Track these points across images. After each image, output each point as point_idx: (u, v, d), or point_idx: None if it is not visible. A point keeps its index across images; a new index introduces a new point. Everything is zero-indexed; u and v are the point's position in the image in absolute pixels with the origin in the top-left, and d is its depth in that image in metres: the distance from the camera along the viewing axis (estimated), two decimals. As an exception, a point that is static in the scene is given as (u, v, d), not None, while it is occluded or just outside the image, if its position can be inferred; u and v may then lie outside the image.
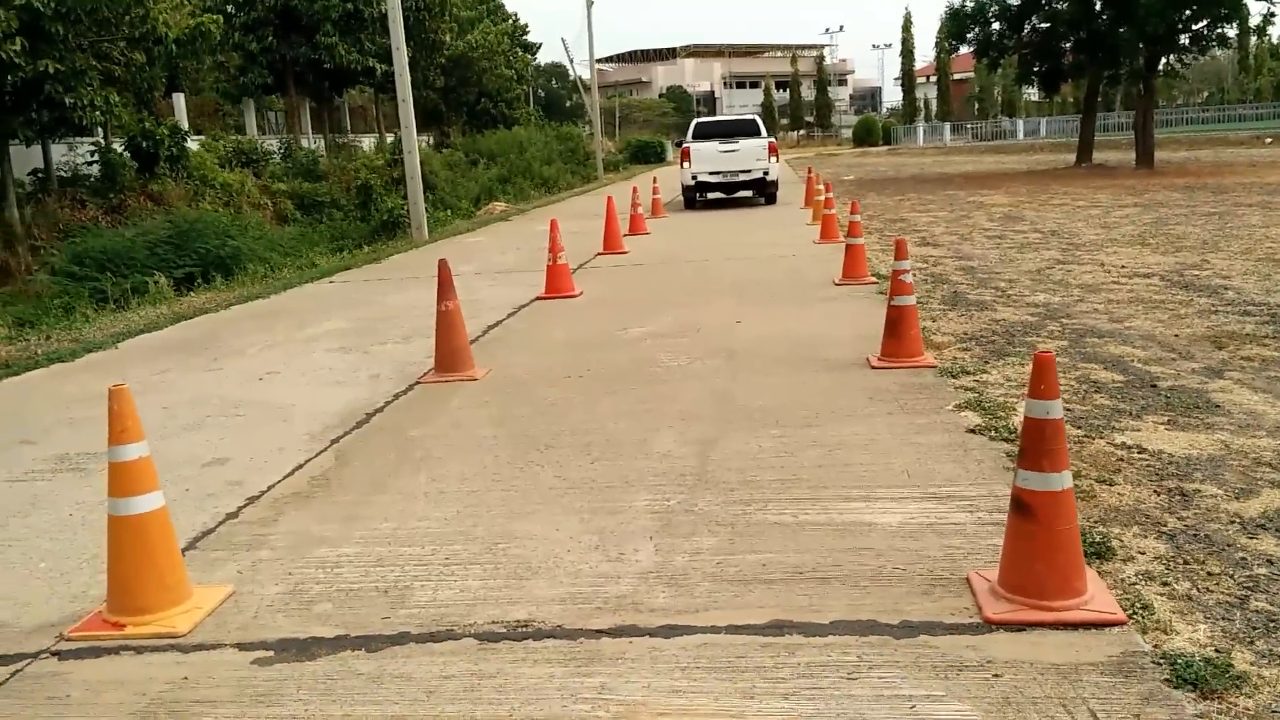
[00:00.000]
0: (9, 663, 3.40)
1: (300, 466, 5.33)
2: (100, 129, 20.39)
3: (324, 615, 3.58)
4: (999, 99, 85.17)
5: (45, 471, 5.51)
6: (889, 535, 3.97)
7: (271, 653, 3.35)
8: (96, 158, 20.37)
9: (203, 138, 25.05)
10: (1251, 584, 3.45)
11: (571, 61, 62.00)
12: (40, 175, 19.21)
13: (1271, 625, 3.16)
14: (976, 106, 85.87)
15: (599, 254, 14.54)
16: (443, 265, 7.24)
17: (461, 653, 3.26)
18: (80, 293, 14.02)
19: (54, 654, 3.45)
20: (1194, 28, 28.80)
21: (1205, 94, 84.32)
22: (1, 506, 4.97)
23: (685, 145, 22.62)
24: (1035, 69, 33.06)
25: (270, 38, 28.60)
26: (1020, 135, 66.25)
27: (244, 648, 3.39)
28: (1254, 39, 75.61)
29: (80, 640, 3.51)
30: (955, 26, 32.20)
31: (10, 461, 5.73)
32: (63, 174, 19.81)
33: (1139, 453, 4.83)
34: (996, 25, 31.52)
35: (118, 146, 20.93)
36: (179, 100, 25.89)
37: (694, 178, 22.12)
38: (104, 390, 7.00)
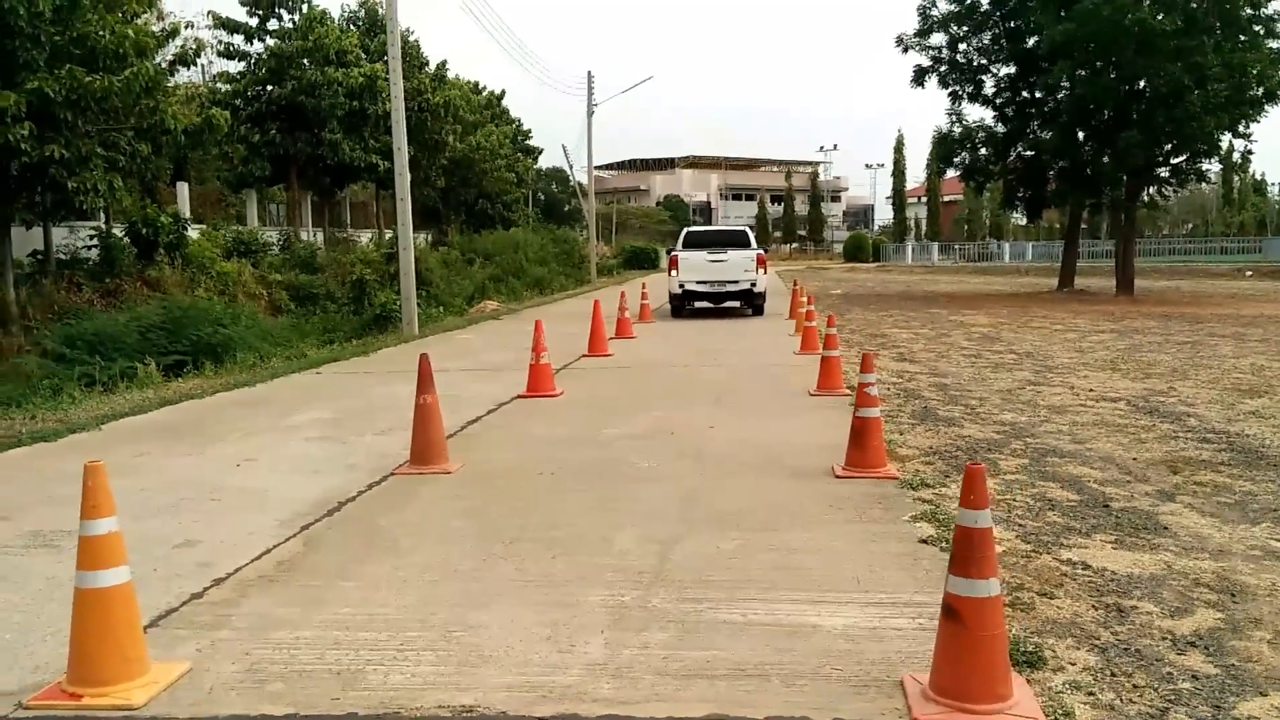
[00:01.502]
0: (-35, 729, 3.49)
1: (269, 551, 5.44)
2: (102, 214, 20.76)
3: (276, 694, 3.68)
4: (987, 221, 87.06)
5: (18, 547, 5.61)
6: (832, 637, 4.11)
7: (222, 728, 3.44)
8: (96, 242, 20.70)
9: (204, 226, 25.46)
10: (1174, 697, 3.58)
11: (571, 167, 63.31)
12: (39, 257, 19.49)
13: (1186, 736, 3.29)
14: (965, 228, 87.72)
15: (583, 355, 14.79)
16: (423, 360, 7.45)
17: (407, 734, 3.36)
18: (69, 375, 14.15)
19: (10, 723, 3.54)
20: (1174, 162, 29.76)
21: (1190, 226, 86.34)
22: (-28, 578, 5.06)
23: (674, 253, 22.73)
24: (1019, 195, 33.95)
25: (275, 132, 29.34)
26: (1006, 258, 67.44)
27: (196, 723, 3.49)
28: (1236, 175, 77.97)
29: (38, 709, 3.61)
30: (943, 151, 33.13)
31: (-15, 535, 5.83)
32: (62, 256, 20.09)
33: (1083, 569, 4.99)
34: (983, 151, 32.45)
35: (118, 231, 21.29)
36: (182, 189, 26.36)
37: (681, 286, 22.15)
38: (81, 471, 7.13)
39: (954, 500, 6.21)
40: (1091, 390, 11.00)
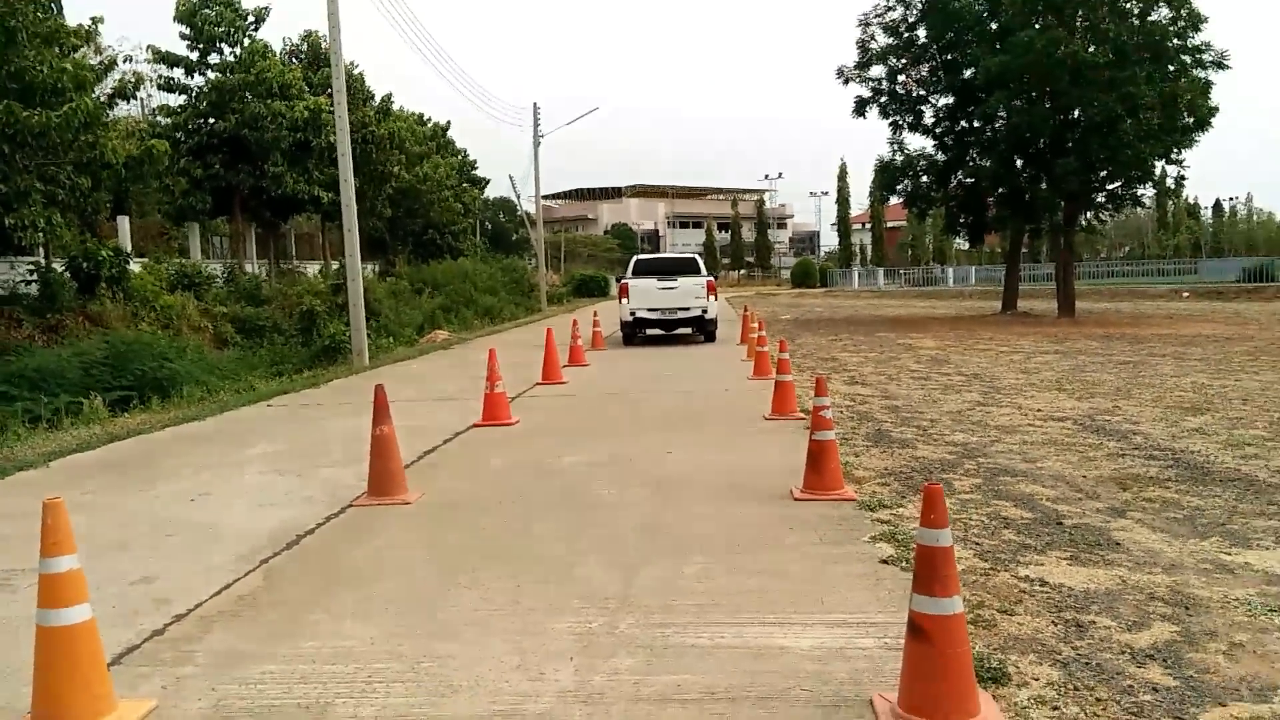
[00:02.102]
0: (-77, 775, 3.40)
1: (228, 586, 5.38)
2: (41, 249, 20.41)
3: (245, 730, 3.64)
4: (930, 247, 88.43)
5: (-32, 587, 5.48)
6: (800, 658, 4.15)
7: (191, 766, 3.40)
8: (36, 277, 20.33)
9: (146, 260, 25.13)
10: (1136, 709, 3.67)
11: (519, 197, 63.37)
12: (-24, 292, 19.15)
13: (1148, 745, 3.37)
14: (909, 253, 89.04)
15: (538, 384, 14.78)
16: (379, 391, 7.41)
17: (380, 767, 3.34)
18: (11, 411, 13.85)
19: (-31, 767, 3.46)
20: (1109, 187, 30.50)
21: (1127, 248, 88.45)
22: (-79, 621, 4.94)
23: (624, 281, 22.68)
24: (961, 220, 34.54)
25: (217, 165, 29.09)
26: (950, 282, 68.53)
27: (163, 762, 3.44)
28: (1170, 200, 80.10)
29: (-2, 753, 3.53)
30: (885, 178, 33.65)
31: (-68, 576, 5.69)
32: (0, 292, 19.72)
33: (1040, 585, 5.09)
34: (924, 179, 33.02)
35: (58, 266, 20.94)
36: (123, 223, 26.00)
37: (632, 314, 22.08)
38: (32, 508, 6.99)
39: (911, 520, 6.32)
40: (1039, 410, 11.22)
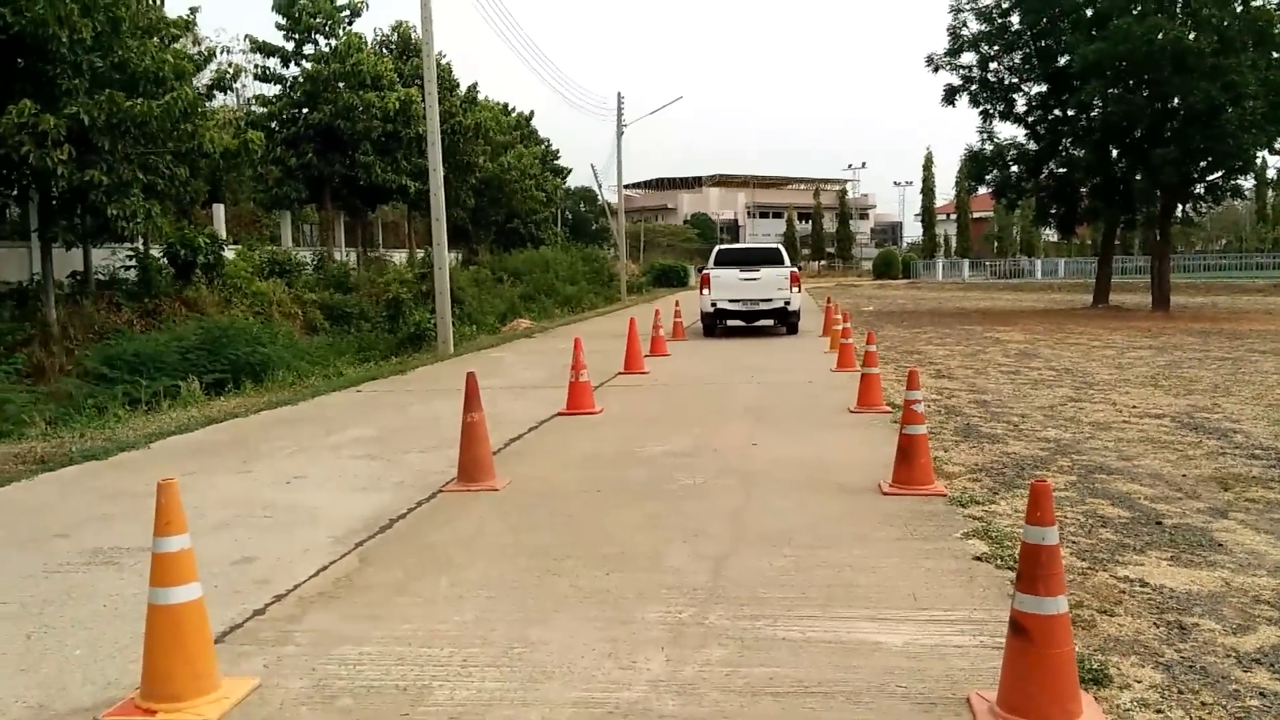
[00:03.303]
0: (43, 742, 3.54)
1: (325, 568, 5.50)
2: (140, 236, 21.04)
3: (345, 710, 3.72)
4: (1018, 238, 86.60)
5: (80, 564, 5.70)
6: (893, 654, 4.10)
7: (294, 743, 3.48)
8: (135, 263, 20.99)
9: (239, 247, 25.76)
10: (1243, 714, 3.56)
11: (600, 186, 63.59)
12: (79, 277, 19.78)
13: (1261, 755, 3.26)
14: (995, 244, 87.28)
15: (620, 373, 14.84)
16: (470, 378, 7.51)
17: (477, 749, 3.39)
18: (112, 394, 14.35)
19: (86, 736, 3.60)
20: (1209, 178, 29.54)
21: (1224, 241, 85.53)
22: (39, 596, 5.14)
23: (706, 271, 22.43)
24: (1052, 211, 33.77)
25: (310, 154, 29.69)
26: (1038, 274, 67.09)
27: (267, 737, 3.53)
28: (1270, 191, 77.21)
29: (112, 725, 3.66)
30: (974, 168, 33.03)
31: (47, 554, 5.92)
32: (101, 277, 20.37)
33: (1141, 586, 4.96)
34: (1015, 169, 32.33)
35: (156, 253, 21.58)
36: (218, 211, 26.70)
37: (713, 305, 21.79)
38: (136, 488, 7.30)
39: (1005, 517, 6.21)
40: (1134, 406, 10.92)
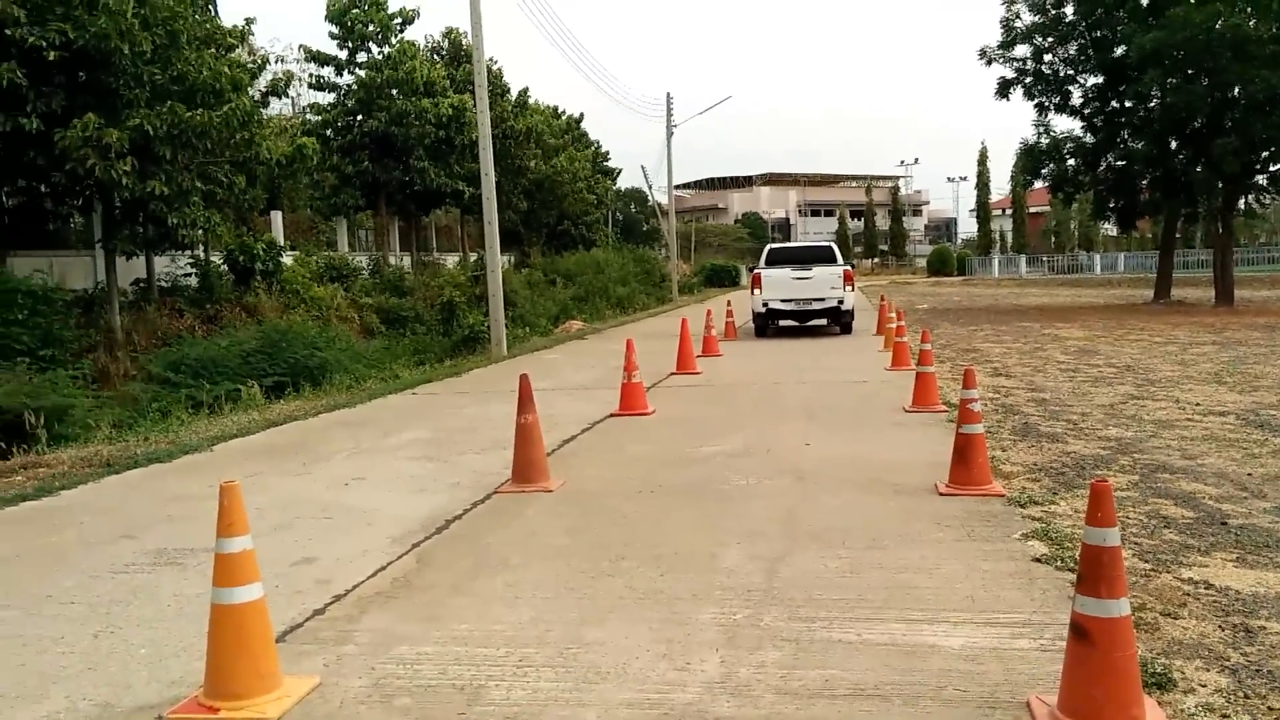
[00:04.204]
0: (112, 739, 3.63)
1: (383, 568, 5.57)
2: (201, 244, 21.45)
3: (404, 709, 3.77)
4: (1075, 233, 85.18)
5: (145, 565, 5.82)
6: (951, 657, 4.06)
7: (354, 742, 3.53)
8: (195, 270, 21.43)
9: (297, 253, 26.19)
10: (1314, 720, 3.47)
11: (650, 187, 63.58)
12: (142, 285, 20.24)
13: (1333, 761, 3.18)
14: (1053, 239, 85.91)
15: (672, 374, 14.84)
16: (524, 380, 7.56)
17: (534, 750, 3.42)
18: (175, 398, 14.66)
19: (152, 734, 3.68)
20: (1271, 169, 28.84)
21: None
22: (106, 596, 5.27)
23: (757, 271, 22.19)
24: (1111, 205, 33.14)
25: (366, 161, 30.08)
26: (1097, 270, 65.94)
27: (328, 736, 3.59)
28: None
29: (177, 722, 3.74)
30: (1030, 162, 32.52)
31: (114, 554, 6.07)
32: (163, 284, 20.84)
33: (1205, 588, 4.86)
34: (1071, 162, 31.79)
35: (216, 260, 22.01)
36: (276, 218, 27.17)
37: (765, 305, 21.51)
38: (199, 490, 7.44)
39: (1064, 518, 6.11)
40: (1198, 404, 10.69)
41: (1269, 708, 3.57)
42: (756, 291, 21.74)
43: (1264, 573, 5.08)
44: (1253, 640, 4.20)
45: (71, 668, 4.31)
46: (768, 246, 24.41)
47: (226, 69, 17.92)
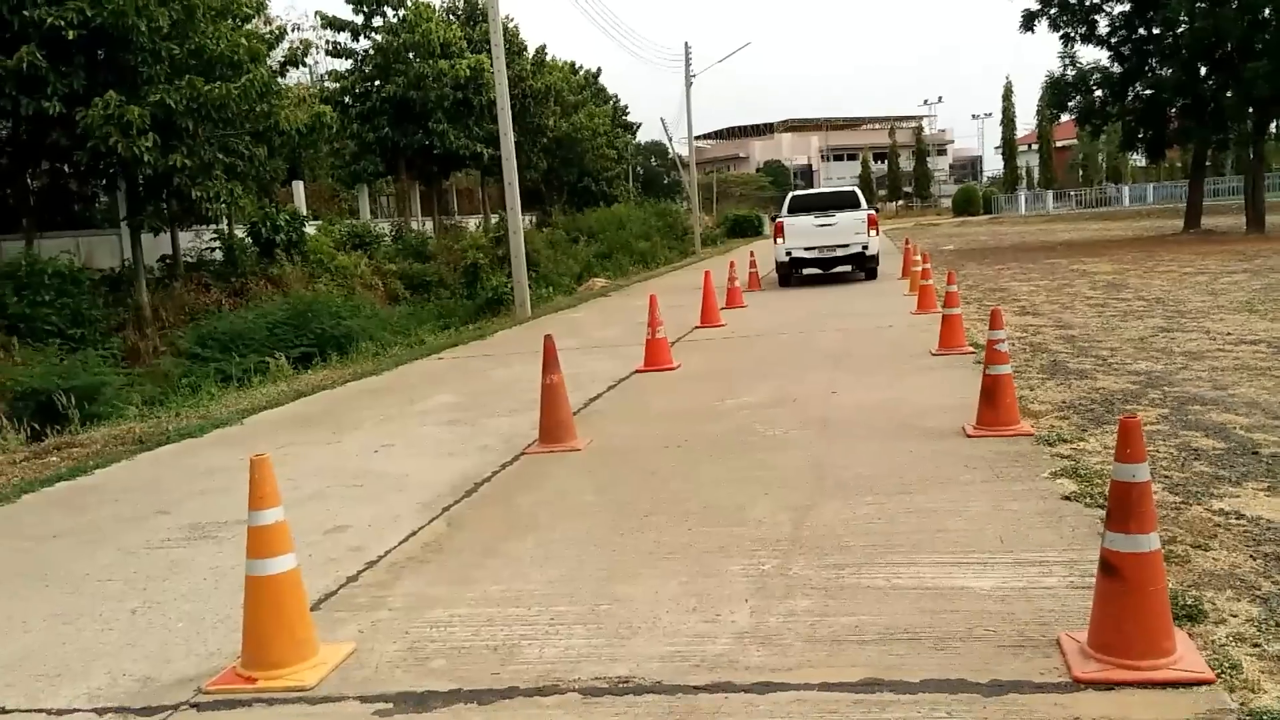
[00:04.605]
0: (153, 714, 3.71)
1: (414, 533, 5.63)
2: (225, 217, 21.53)
3: (439, 671, 3.82)
4: (1103, 165, 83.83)
5: (181, 539, 5.92)
6: (980, 598, 4.06)
7: (391, 705, 3.59)
8: (219, 244, 21.52)
9: (319, 222, 26.23)
10: (1349, 648, 3.45)
11: (670, 140, 63.08)
12: (168, 261, 20.36)
13: (1367, 688, 3.16)
14: (1080, 173, 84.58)
15: (696, 327, 14.81)
16: (548, 341, 7.57)
17: (567, 706, 3.46)
18: (205, 372, 14.81)
19: (193, 706, 3.75)
20: (1303, 91, 28.18)
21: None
22: (143, 571, 5.36)
23: (779, 220, 21.82)
24: (1139, 136, 32.54)
25: (385, 127, 29.97)
26: (1126, 202, 64.96)
27: (366, 700, 3.65)
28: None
29: (217, 693, 3.81)
30: (1056, 95, 31.95)
31: (149, 530, 6.17)
32: (189, 259, 20.95)
33: (1236, 519, 4.82)
34: (1099, 93, 31.21)
35: (239, 232, 22.09)
36: (298, 188, 27.20)
37: (788, 254, 21.15)
38: (231, 464, 7.53)
39: (1094, 455, 6.07)
40: (1229, 334, 10.56)
41: (1302, 636, 3.55)
42: (779, 240, 21.42)
43: (1297, 502, 5.02)
44: (1286, 570, 4.17)
45: (112, 644, 4.39)
46: (789, 194, 24.05)
47: (244, 40, 17.87)
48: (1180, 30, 28.33)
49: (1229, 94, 27.67)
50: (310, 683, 3.79)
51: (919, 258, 17.39)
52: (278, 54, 22.43)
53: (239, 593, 3.91)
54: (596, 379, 10.58)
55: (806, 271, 21.85)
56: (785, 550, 4.84)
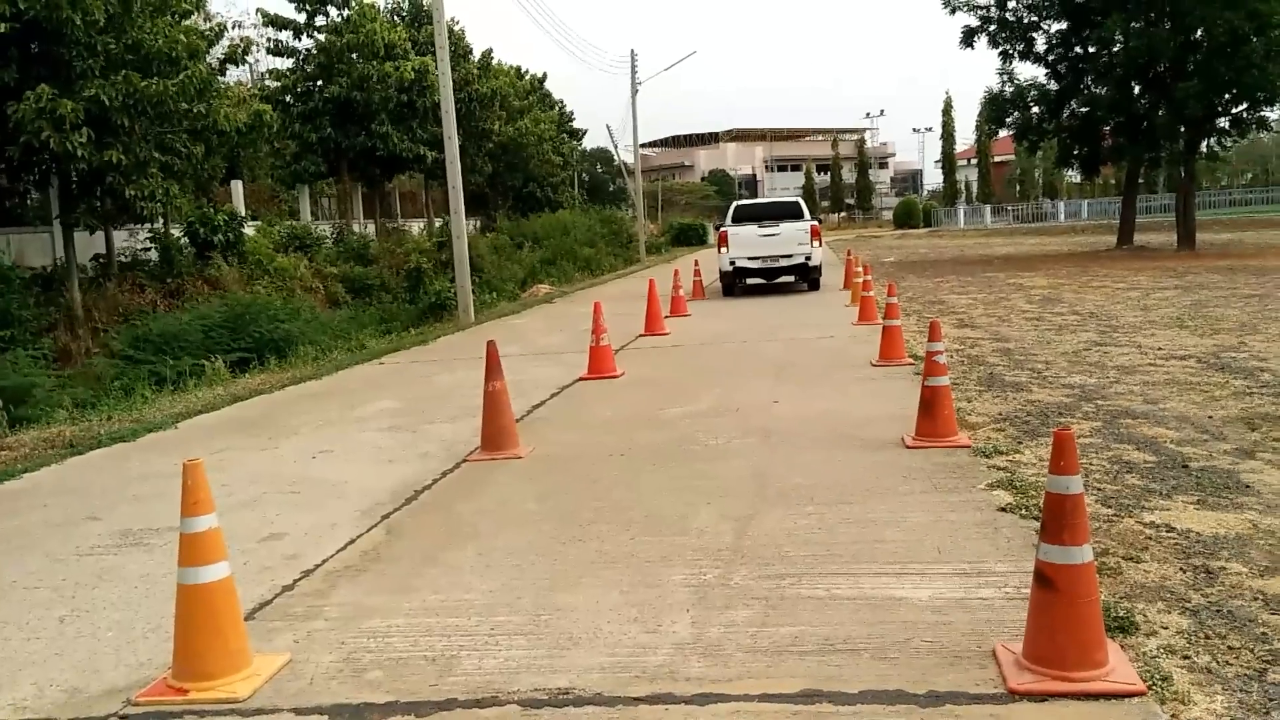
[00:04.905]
0: (81, 724, 3.61)
1: (353, 541, 5.55)
2: (160, 216, 21.07)
3: (375, 682, 3.77)
4: (1040, 181, 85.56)
5: (111, 546, 5.77)
6: (918, 609, 4.10)
7: (326, 717, 3.54)
8: (155, 244, 21.07)
9: (259, 223, 25.80)
10: (1271, 657, 3.54)
11: (616, 146, 63.10)
12: (102, 260, 19.87)
13: (1290, 698, 3.25)
14: (1018, 188, 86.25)
15: (640, 335, 14.83)
16: (490, 347, 7.52)
17: (506, 718, 3.44)
18: (139, 375, 14.48)
19: (122, 718, 3.66)
20: (1233, 111, 29.02)
21: (1249, 176, 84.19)
22: (71, 578, 5.22)
23: (723, 229, 21.80)
24: (1075, 152, 33.23)
25: (328, 128, 29.60)
26: (1062, 217, 66.39)
27: (300, 713, 3.58)
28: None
29: (147, 705, 3.72)
30: (994, 111, 32.53)
31: (79, 536, 6.01)
32: (123, 259, 20.47)
33: (1167, 531, 4.93)
34: (1035, 110, 31.82)
35: (176, 232, 21.65)
36: (237, 188, 26.71)
37: (732, 263, 21.22)
38: (164, 469, 7.37)
39: (1029, 467, 6.18)
40: (1160, 349, 10.82)
41: (1229, 647, 3.63)
42: (723, 250, 21.47)
43: (1224, 514, 5.15)
44: (1213, 581, 4.27)
45: (38, 653, 4.27)
46: (734, 204, 24.10)
47: (182, 36, 17.51)
48: (1115, 50, 29.02)
49: (1161, 113, 28.40)
50: (243, 694, 3.71)
51: (860, 269, 17.58)
52: (217, 51, 22.05)
53: (171, 601, 3.83)
54: (540, 386, 10.53)
55: (750, 281, 21.95)
56: (727, 560, 4.86)
